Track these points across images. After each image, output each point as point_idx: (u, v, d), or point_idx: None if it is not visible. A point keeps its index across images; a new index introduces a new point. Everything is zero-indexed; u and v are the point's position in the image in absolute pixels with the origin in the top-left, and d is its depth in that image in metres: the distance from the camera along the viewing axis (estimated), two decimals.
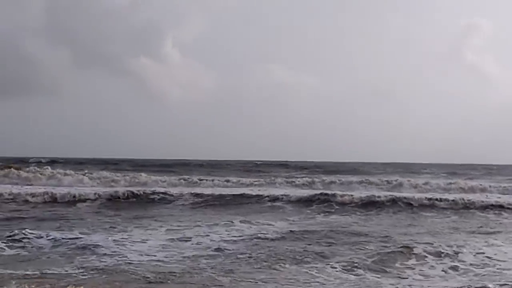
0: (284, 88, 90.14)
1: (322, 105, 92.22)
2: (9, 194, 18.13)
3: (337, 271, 7.99)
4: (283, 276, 7.65)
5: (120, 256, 8.83)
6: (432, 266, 8.58)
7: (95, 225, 12.63)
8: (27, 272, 7.46)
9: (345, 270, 8.06)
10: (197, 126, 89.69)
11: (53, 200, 17.83)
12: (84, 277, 7.33)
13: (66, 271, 7.65)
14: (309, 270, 8.06)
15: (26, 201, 17.47)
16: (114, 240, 10.19)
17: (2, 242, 9.78)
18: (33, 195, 18.02)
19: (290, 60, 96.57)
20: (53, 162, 43.70)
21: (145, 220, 13.71)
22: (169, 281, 7.23)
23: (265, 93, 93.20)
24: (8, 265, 7.97)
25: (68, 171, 27.70)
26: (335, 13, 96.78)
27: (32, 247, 9.59)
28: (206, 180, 26.47)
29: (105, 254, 8.92)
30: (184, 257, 8.88)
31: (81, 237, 10.43)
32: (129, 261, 8.47)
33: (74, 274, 7.46)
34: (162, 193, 19.08)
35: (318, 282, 7.44)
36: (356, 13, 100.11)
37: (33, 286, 6.40)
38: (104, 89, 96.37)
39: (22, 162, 39.65)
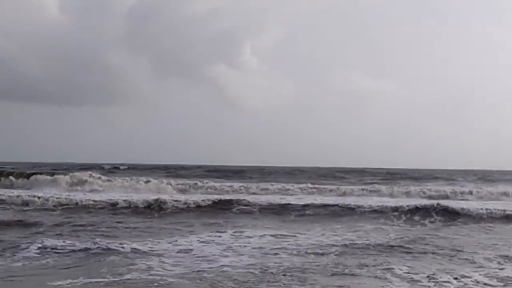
0: (362, 94, 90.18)
1: (401, 111, 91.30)
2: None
3: None
4: None
5: None
6: None
7: None
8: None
9: None
10: (274, 132, 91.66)
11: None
12: None
13: None
14: None
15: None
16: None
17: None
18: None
19: (368, 67, 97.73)
20: (129, 168, 44.52)
21: None
22: None
23: (342, 99, 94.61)
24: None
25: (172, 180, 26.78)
26: (414, 19, 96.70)
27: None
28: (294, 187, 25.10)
29: None
30: None
31: None
32: None
33: None
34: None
35: None
36: (437, 19, 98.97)
37: None
38: (183, 96, 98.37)
39: (100, 168, 40.49)
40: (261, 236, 11.57)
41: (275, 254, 9.42)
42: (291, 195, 22.74)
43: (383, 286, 7.13)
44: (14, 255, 8.90)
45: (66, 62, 79.62)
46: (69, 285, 6.97)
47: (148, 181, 25.96)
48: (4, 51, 69.85)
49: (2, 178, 26.70)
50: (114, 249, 9.48)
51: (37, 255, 8.96)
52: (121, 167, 46.14)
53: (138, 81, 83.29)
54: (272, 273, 7.74)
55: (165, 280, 7.29)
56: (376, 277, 7.67)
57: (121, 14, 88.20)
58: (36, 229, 12.37)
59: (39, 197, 18.37)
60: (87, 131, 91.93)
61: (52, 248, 9.48)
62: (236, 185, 25.85)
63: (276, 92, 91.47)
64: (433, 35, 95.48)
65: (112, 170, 41.53)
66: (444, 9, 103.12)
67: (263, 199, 19.39)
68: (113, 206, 17.27)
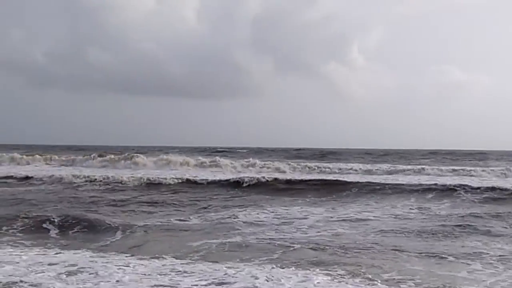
0: (458, 87, 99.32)
1: (496, 104, 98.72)
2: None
3: None
4: None
5: None
6: None
7: None
8: None
9: None
10: (378, 122, 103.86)
11: None
12: None
13: None
14: None
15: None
16: None
17: None
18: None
19: (464, 60, 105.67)
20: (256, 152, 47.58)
21: None
22: None
23: (440, 91, 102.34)
24: None
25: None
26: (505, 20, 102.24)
27: None
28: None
29: None
30: None
31: None
32: None
33: None
34: None
35: None
36: None
37: None
38: (299, 90, 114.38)
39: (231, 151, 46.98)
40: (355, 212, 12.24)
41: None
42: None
43: None
44: None
45: (203, 62, 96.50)
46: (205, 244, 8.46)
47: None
48: (154, 54, 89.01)
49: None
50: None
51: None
52: (240, 150, 49.38)
53: (262, 77, 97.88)
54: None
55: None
56: None
57: (247, 21, 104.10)
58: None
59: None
60: (220, 120, 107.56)
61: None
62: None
63: (379, 85, 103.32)
64: None
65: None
66: None
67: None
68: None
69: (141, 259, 7.28)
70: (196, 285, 5.93)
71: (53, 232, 9.61)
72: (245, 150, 50.42)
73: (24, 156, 30.22)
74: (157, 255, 7.47)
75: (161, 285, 5.90)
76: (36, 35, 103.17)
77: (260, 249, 8.11)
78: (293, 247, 8.24)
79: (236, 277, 6.22)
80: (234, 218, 11.05)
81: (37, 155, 30.64)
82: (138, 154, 28.65)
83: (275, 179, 18.48)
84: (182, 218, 11.29)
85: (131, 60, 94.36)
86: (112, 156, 28.80)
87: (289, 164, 26.13)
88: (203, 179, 18.52)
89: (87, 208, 12.45)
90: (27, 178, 19.35)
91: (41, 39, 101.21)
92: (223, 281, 6.10)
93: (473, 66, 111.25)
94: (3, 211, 11.38)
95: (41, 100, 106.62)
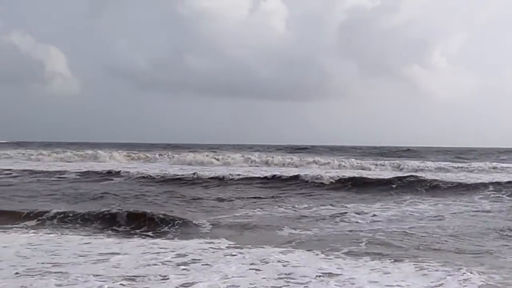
0: None
1: None
2: None
3: None
4: None
5: None
6: None
7: None
8: None
9: None
10: (459, 118, 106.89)
11: None
12: None
13: None
14: None
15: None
16: None
17: None
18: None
19: None
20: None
21: None
22: None
23: None
24: None
25: None
26: None
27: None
28: None
29: None
30: None
31: None
32: None
33: None
34: None
35: None
36: None
37: None
38: (383, 92, 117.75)
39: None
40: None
41: None
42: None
43: None
44: None
45: (291, 67, 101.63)
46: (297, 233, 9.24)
47: None
48: (245, 59, 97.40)
49: None
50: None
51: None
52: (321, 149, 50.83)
53: (346, 81, 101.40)
54: None
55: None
56: None
57: (333, 28, 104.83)
58: None
59: None
60: (306, 120, 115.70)
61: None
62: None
63: (461, 87, 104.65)
64: None
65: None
66: None
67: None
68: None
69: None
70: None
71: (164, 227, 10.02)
72: (326, 149, 51.40)
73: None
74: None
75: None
76: (139, 44, 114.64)
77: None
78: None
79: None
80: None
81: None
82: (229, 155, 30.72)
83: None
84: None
85: (223, 66, 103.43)
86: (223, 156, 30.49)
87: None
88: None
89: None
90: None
91: (143, 47, 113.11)
92: (332, 272, 6.45)
93: None
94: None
95: (145, 102, 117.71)
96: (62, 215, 10.58)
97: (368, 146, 60.41)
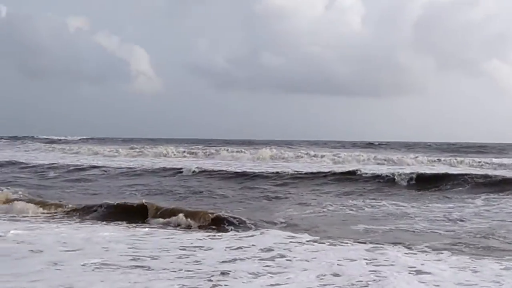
0: None
1: None
2: None
3: None
4: None
5: None
6: None
7: None
8: None
9: None
10: None
11: None
12: None
13: None
14: None
15: None
16: None
17: None
18: None
19: None
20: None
21: None
22: None
23: None
24: None
25: None
26: None
27: None
28: None
29: None
30: None
31: None
32: None
33: None
34: None
35: None
36: None
37: None
38: (461, 87, 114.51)
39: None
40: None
41: None
42: None
43: None
44: None
45: (367, 63, 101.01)
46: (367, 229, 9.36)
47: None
48: (321, 56, 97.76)
49: None
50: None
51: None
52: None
53: (424, 76, 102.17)
54: None
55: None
56: None
57: (409, 23, 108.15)
58: None
59: None
60: (380, 116, 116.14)
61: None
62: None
63: None
64: None
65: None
66: None
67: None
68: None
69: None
70: None
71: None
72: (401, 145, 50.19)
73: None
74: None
75: None
76: (218, 43, 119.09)
77: None
78: None
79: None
80: None
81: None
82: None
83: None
84: None
85: (299, 63, 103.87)
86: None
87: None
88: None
89: None
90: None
91: (222, 47, 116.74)
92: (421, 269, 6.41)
93: None
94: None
95: (222, 99, 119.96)
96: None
97: (441, 142, 58.20)
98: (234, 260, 6.88)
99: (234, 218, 10.08)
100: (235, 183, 18.35)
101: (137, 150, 35.02)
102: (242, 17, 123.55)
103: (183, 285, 5.66)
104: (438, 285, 5.80)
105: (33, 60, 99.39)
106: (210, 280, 5.82)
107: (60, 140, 59.16)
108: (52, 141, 54.21)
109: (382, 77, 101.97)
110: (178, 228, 9.75)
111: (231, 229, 9.43)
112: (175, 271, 6.25)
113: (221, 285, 5.67)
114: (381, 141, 57.28)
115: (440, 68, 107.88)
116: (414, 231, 9.38)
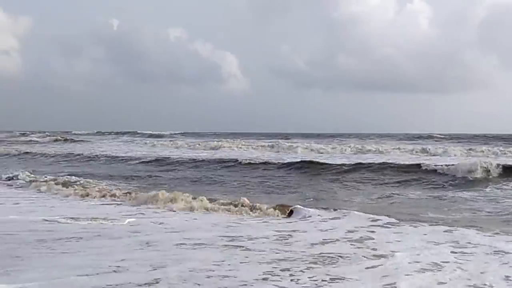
0: None
1: None
2: None
3: None
4: None
5: None
6: None
7: None
8: None
9: None
10: None
11: None
12: None
13: None
14: None
15: None
16: None
17: None
18: None
19: None
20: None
21: None
22: None
23: None
24: None
25: None
26: None
27: None
28: None
29: None
30: None
31: None
32: None
33: None
34: None
35: None
36: None
37: None
38: None
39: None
40: None
41: None
42: None
43: None
44: None
45: (434, 61, 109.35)
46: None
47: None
48: (392, 57, 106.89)
49: None
50: None
51: None
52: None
53: (488, 73, 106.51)
54: None
55: None
56: None
57: (474, 24, 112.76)
58: None
59: None
60: (448, 111, 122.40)
61: None
62: None
63: None
64: None
65: None
66: None
67: None
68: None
69: None
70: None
71: None
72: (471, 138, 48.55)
73: None
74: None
75: None
76: (299, 47, 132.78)
77: None
78: None
79: None
80: None
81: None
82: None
83: None
84: None
85: (372, 63, 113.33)
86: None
87: None
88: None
89: None
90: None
91: (302, 50, 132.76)
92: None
93: None
94: None
95: (303, 98, 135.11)
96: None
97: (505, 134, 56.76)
98: (325, 242, 7.28)
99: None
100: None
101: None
102: (320, 24, 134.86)
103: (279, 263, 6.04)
104: None
105: (139, 65, 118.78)
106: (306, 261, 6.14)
107: (163, 134, 62.81)
108: (159, 136, 58.93)
109: (448, 75, 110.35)
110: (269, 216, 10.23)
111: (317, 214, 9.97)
112: (271, 252, 6.60)
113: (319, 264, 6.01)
114: (454, 133, 57.16)
115: (503, 65, 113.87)
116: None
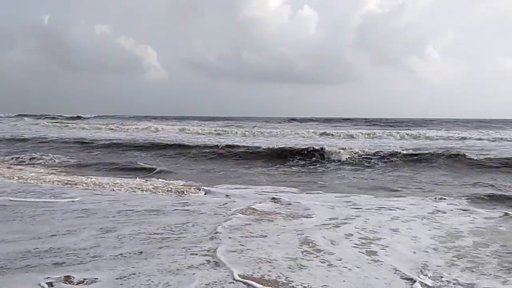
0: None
1: None
2: None
3: None
4: None
5: None
6: None
7: None
8: None
9: None
10: (444, 99, 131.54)
11: None
12: None
13: None
14: None
15: None
16: None
17: None
18: None
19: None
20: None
21: None
22: None
23: (492, 76, 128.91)
24: None
25: None
26: None
27: None
28: None
29: None
30: None
31: None
32: None
33: None
34: None
35: None
36: None
37: None
38: (389, 77, 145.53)
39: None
40: None
41: None
42: None
43: None
44: None
45: (319, 59, 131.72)
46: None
47: None
48: (286, 54, 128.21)
49: None
50: None
51: None
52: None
53: (361, 69, 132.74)
54: None
55: None
56: None
57: (352, 29, 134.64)
58: None
59: None
60: (330, 99, 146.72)
61: None
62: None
63: (450, 73, 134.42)
64: None
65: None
66: None
67: None
68: None
69: None
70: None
71: None
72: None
73: None
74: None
75: None
76: (210, 44, 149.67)
77: None
78: None
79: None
80: None
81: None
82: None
83: None
84: None
85: (270, 59, 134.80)
86: None
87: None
88: None
89: None
90: None
91: (213, 47, 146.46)
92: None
93: None
94: None
95: (214, 87, 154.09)
96: None
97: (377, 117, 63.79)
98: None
99: None
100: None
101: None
102: (228, 25, 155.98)
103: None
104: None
105: (68, 56, 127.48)
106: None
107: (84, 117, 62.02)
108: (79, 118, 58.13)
109: (331, 70, 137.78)
110: None
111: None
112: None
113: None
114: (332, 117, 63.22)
115: (374, 63, 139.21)
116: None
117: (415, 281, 4.52)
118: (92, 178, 11.72)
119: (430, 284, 4.49)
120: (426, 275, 4.72)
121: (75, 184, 10.75)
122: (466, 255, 5.39)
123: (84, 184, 10.76)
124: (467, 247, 5.73)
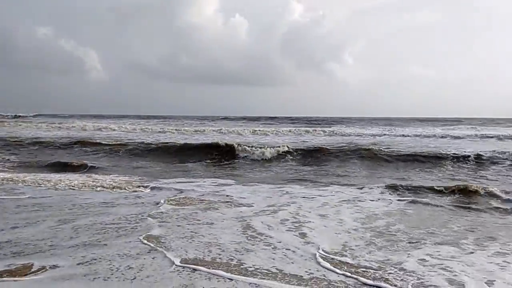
0: (410, 78, 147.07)
1: (436, 94, 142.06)
2: None
3: None
4: None
5: None
6: None
7: None
8: None
9: None
10: (360, 100, 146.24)
11: None
12: None
13: None
14: None
15: None
16: None
17: None
18: None
19: (416, 59, 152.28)
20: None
21: None
22: None
23: (400, 81, 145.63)
24: None
25: None
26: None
27: None
28: None
29: None
30: None
31: None
32: None
33: None
34: None
35: None
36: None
37: None
38: (311, 81, 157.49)
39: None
40: None
41: None
42: None
43: None
44: None
45: (250, 61, 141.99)
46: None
47: None
48: (220, 56, 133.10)
49: None
50: None
51: None
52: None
53: (287, 72, 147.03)
54: None
55: None
56: None
57: (279, 35, 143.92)
58: None
59: None
60: (258, 101, 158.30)
61: None
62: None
63: (361, 77, 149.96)
64: None
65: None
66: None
67: None
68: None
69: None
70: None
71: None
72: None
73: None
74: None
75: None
76: (150, 47, 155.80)
77: None
78: None
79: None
80: None
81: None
82: None
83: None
84: None
85: (206, 61, 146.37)
86: None
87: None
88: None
89: None
90: None
91: (154, 50, 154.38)
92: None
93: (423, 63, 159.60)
94: None
95: (153, 87, 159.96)
96: None
97: (302, 116, 69.20)
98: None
99: None
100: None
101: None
102: (167, 29, 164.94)
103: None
104: None
105: (11, 58, 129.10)
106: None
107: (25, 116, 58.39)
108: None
109: (260, 72, 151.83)
110: None
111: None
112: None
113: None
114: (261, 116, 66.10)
115: (299, 67, 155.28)
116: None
117: (333, 258, 5.36)
118: (40, 175, 11.77)
119: (350, 262, 5.27)
120: (346, 251, 5.61)
121: (23, 180, 10.79)
122: (382, 234, 6.46)
123: (30, 180, 10.81)
124: (382, 227, 6.88)
